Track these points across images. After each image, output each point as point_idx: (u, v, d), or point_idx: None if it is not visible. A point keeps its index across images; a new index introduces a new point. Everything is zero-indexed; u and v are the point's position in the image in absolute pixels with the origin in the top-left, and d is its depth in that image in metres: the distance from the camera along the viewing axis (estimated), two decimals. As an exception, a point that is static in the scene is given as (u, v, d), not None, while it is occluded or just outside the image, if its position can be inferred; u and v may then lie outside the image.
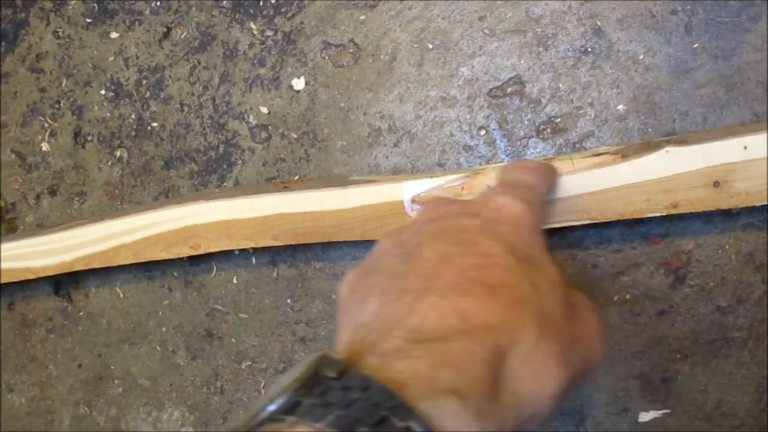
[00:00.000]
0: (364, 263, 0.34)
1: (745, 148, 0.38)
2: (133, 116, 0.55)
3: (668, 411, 0.46)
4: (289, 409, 0.23)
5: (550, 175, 0.39)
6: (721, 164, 0.39)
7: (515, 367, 0.26)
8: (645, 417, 0.46)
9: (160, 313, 0.55)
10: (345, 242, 0.49)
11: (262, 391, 0.54)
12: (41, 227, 0.58)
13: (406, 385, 0.24)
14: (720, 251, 0.44)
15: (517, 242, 0.30)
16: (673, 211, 0.40)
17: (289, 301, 0.52)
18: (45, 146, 0.58)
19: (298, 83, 0.51)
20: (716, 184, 0.39)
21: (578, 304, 0.32)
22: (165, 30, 0.54)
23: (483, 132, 0.47)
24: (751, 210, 0.43)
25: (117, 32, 0.55)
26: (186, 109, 0.54)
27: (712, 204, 0.39)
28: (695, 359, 0.45)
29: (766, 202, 0.38)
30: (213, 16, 0.53)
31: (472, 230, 0.31)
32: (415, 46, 0.48)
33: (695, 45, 0.43)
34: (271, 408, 0.23)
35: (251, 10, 0.51)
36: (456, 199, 0.35)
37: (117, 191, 0.56)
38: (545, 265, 0.30)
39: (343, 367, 0.24)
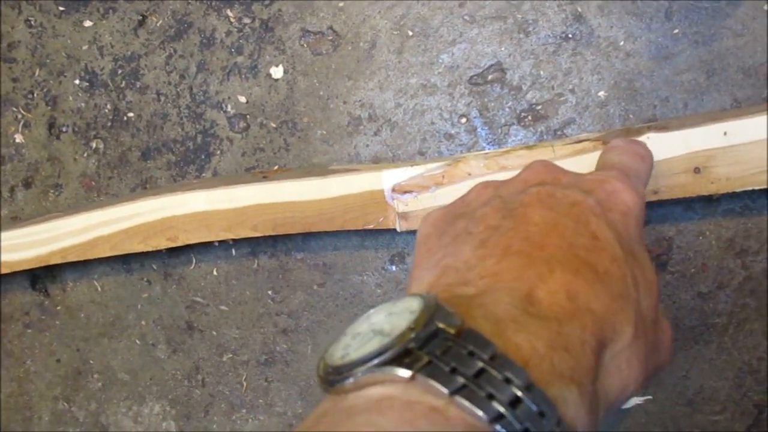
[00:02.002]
0: (452, 206, 0.32)
1: (725, 134, 0.38)
2: (108, 106, 0.54)
3: (650, 397, 0.46)
4: (400, 360, 0.21)
5: (652, 163, 0.37)
6: (702, 150, 0.39)
7: (607, 363, 0.25)
8: (627, 403, 0.46)
9: (140, 306, 0.55)
10: (326, 232, 0.49)
11: (244, 384, 0.53)
12: (16, 220, 0.57)
13: (528, 363, 0.22)
14: (701, 237, 0.44)
15: (624, 233, 0.29)
16: (654, 198, 0.40)
17: (270, 292, 0.52)
18: (19, 138, 0.56)
19: (277, 71, 0.50)
20: (697, 171, 0.39)
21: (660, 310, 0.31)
22: (140, 18, 0.53)
23: (464, 120, 0.47)
24: (731, 196, 0.43)
25: (91, 20, 0.54)
26: (163, 98, 0.53)
27: (692, 190, 0.39)
28: (676, 345, 0.45)
29: (746, 188, 0.38)
30: (189, 3, 0.52)
31: (584, 207, 0.28)
32: (395, 33, 0.48)
33: (676, 31, 0.43)
34: (386, 356, 0.21)
35: (228, -3, 0.51)
36: (566, 169, 0.33)
37: (93, 183, 0.55)
38: (645, 263, 0.29)
39: (461, 324, 0.22)
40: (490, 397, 0.20)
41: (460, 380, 0.20)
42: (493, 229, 0.28)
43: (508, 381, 0.21)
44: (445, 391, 0.20)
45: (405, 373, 0.21)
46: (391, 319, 0.23)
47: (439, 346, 0.21)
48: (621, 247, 0.27)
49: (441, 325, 0.22)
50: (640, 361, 0.26)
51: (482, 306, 0.24)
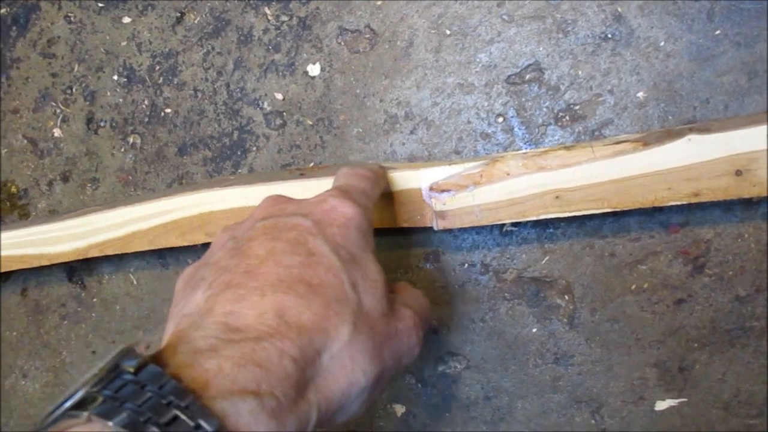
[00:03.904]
0: (201, 259, 0.35)
1: (769, 136, 0.38)
2: (146, 102, 0.55)
3: (685, 400, 0.46)
4: (84, 404, 0.23)
5: (380, 182, 0.41)
6: (744, 153, 0.38)
7: (327, 364, 0.28)
8: (662, 405, 0.46)
9: (174, 300, 0.55)
10: (360, 230, 0.49)
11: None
12: (54, 213, 0.58)
13: (209, 384, 0.24)
14: (739, 240, 0.44)
15: (344, 242, 0.32)
16: (695, 200, 0.39)
17: (303, 288, 0.52)
18: (57, 132, 0.57)
19: (314, 69, 0.50)
20: (738, 173, 0.39)
21: (399, 302, 0.34)
22: (178, 15, 0.53)
23: (501, 119, 0.47)
24: (772, 199, 0.42)
25: (129, 17, 0.55)
26: (200, 95, 0.53)
27: (734, 193, 0.39)
28: (713, 348, 0.45)
29: (789, 191, 0.38)
30: (227, 0, 0.52)
31: (302, 229, 0.32)
32: (433, 32, 0.48)
33: (717, 32, 0.43)
34: (68, 404, 0.23)
35: (266, -5, 0.51)
36: (292, 198, 0.36)
37: (130, 178, 0.56)
38: (368, 265, 0.32)
39: (142, 362, 0.24)
40: (149, 420, 0.22)
41: (125, 412, 0.23)
42: (222, 269, 0.31)
43: (170, 404, 0.23)
44: (110, 424, 0.22)
45: (83, 415, 0.23)
46: (93, 367, 0.25)
47: (116, 386, 0.24)
48: (338, 257, 0.31)
49: (125, 367, 0.24)
50: (366, 353, 0.29)
51: (189, 342, 0.26)
